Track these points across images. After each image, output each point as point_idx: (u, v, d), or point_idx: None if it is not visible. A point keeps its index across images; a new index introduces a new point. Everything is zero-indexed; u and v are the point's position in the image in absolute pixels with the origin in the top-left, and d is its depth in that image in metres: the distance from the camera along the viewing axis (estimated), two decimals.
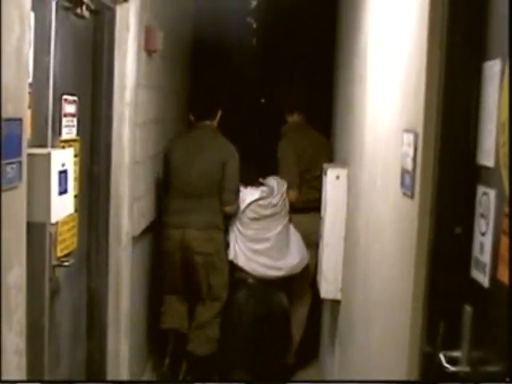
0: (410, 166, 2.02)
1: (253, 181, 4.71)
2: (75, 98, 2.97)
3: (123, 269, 3.60)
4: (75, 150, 2.90)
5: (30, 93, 2.16)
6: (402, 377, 1.98)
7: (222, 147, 4.47)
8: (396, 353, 2.13)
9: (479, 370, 1.64)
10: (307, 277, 4.69)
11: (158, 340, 4.68)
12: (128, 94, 3.52)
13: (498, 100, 1.59)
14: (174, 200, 4.42)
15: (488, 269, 1.60)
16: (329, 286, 3.99)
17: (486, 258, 1.62)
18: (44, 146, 2.45)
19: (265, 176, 4.81)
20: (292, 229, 4.67)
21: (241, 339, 4.47)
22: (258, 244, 4.54)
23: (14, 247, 1.91)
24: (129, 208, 3.61)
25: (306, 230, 4.64)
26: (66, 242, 2.90)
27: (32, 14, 2.16)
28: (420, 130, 1.92)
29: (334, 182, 3.95)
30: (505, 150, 1.52)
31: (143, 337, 4.44)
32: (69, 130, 2.91)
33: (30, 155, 2.06)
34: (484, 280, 1.62)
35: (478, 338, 1.67)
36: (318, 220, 4.30)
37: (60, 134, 2.79)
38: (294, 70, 5.71)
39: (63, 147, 2.76)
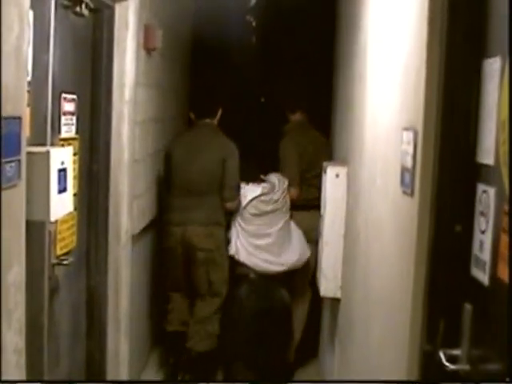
0: (409, 164, 2.02)
1: (254, 178, 4.72)
2: (74, 96, 2.97)
3: (123, 267, 3.60)
4: (74, 149, 2.90)
5: (29, 91, 2.16)
6: (402, 375, 1.97)
7: (223, 145, 4.48)
8: (396, 351, 2.12)
9: (479, 368, 1.64)
10: (307, 273, 4.69)
11: (158, 338, 4.67)
12: (127, 92, 3.51)
13: (497, 98, 1.59)
14: (175, 197, 4.43)
15: (488, 267, 1.60)
16: (328, 284, 3.99)
17: (486, 256, 1.61)
18: (43, 144, 2.45)
19: (265, 173, 4.82)
20: (293, 225, 4.69)
21: (242, 334, 4.46)
22: (260, 239, 4.56)
23: (13, 246, 1.90)
24: (128, 206, 3.61)
25: (307, 226, 4.65)
26: (66, 241, 2.90)
27: (31, 13, 2.16)
28: (420, 128, 1.92)
29: (333, 180, 3.95)
30: (505, 148, 1.51)
31: (144, 336, 4.44)
32: (68, 129, 2.91)
33: (29, 153, 2.06)
34: (484, 278, 1.62)
35: (477, 336, 1.66)
36: (318, 217, 4.30)
37: (59, 132, 2.79)
38: (294, 68, 5.71)
39: (62, 145, 2.76)
